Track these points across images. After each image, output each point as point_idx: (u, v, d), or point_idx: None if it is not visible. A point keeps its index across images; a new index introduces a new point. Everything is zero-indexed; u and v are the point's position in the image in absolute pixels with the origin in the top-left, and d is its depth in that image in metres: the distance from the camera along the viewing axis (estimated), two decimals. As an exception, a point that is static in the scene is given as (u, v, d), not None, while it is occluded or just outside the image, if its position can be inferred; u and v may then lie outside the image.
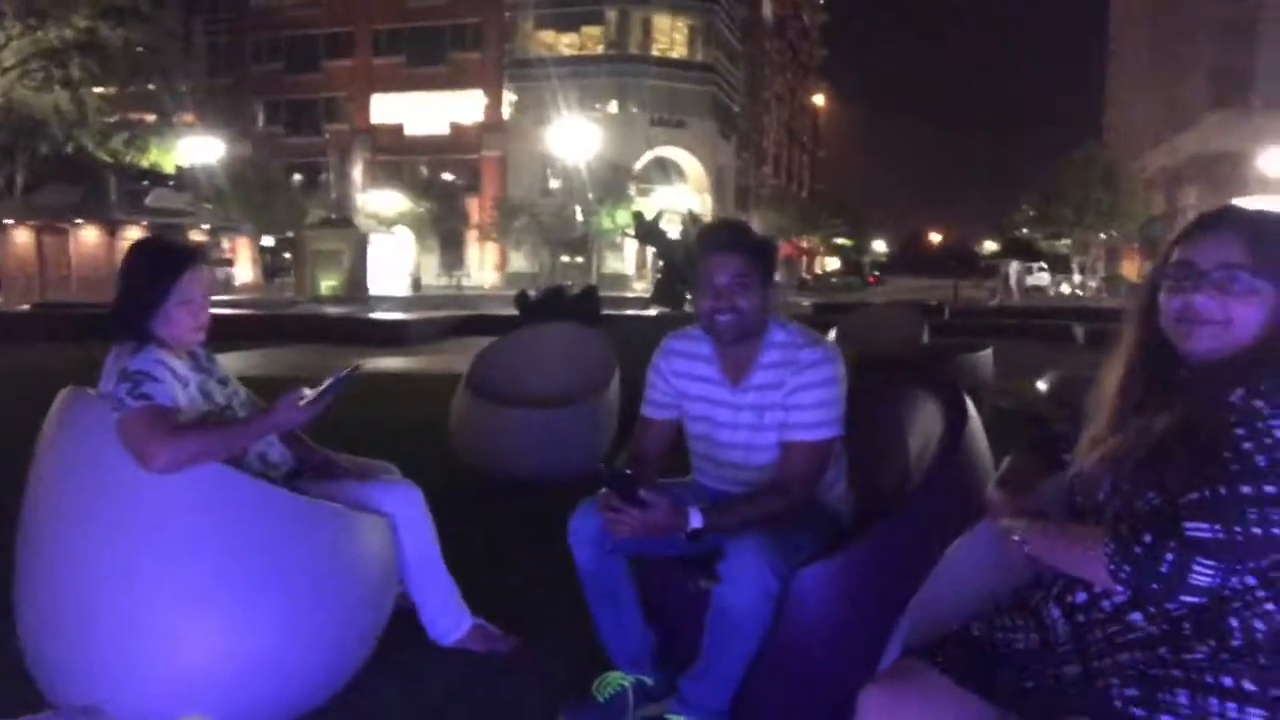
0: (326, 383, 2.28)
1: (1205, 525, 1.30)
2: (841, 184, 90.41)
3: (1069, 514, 1.57)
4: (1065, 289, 44.29)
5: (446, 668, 2.62)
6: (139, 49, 25.59)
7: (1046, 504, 1.64)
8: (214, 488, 2.21)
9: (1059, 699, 1.41)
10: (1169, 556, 1.31)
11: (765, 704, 2.12)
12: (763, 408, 2.27)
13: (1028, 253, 49.43)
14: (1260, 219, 1.45)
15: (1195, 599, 1.33)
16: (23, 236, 28.02)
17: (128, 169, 30.52)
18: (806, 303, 25.75)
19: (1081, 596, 1.47)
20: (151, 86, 29.28)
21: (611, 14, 46.55)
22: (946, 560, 1.74)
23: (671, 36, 48.14)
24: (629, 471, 2.11)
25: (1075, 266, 48.84)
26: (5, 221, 28.14)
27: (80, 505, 2.18)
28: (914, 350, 8.14)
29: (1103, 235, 46.67)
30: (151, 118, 32.46)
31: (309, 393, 2.27)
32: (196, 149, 33.27)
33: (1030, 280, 47.22)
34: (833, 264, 77.17)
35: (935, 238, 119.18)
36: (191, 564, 2.17)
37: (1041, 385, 7.36)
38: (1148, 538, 1.33)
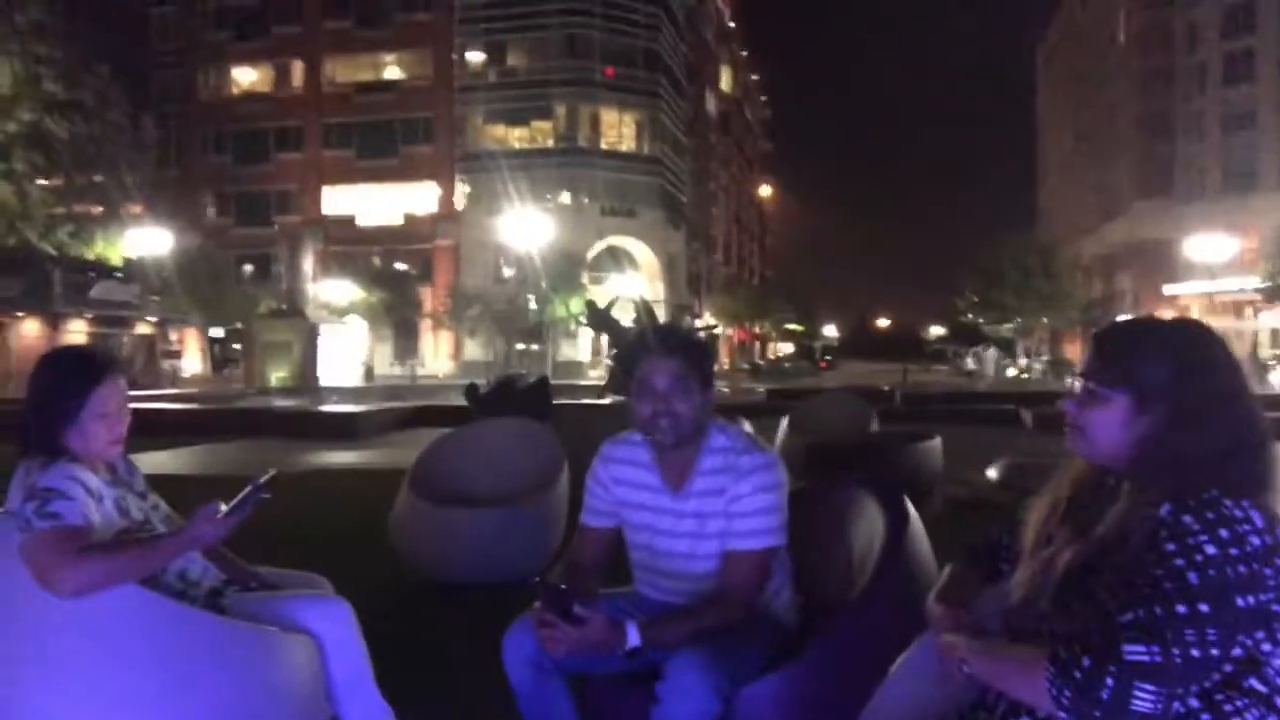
0: (244, 492, 2.19)
1: (1142, 648, 1.26)
2: (791, 270, 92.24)
3: (1009, 631, 1.53)
4: (1011, 372, 45.24)
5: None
6: (86, 142, 25.54)
7: (987, 617, 1.60)
8: (128, 611, 2.09)
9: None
10: (1109, 681, 1.27)
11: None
12: (704, 515, 2.22)
13: (973, 337, 50.60)
14: (1125, 328, 1.53)
15: None
16: (-40, 330, 27.33)
17: (73, 261, 30.16)
18: (761, 389, 25.93)
19: None
20: (98, 179, 29.18)
21: (560, 109, 47.71)
22: (892, 676, 1.69)
23: (620, 130, 49.38)
24: (563, 586, 2.04)
25: (1020, 350, 49.99)
26: (-58, 315, 27.47)
27: (-24, 635, 2.04)
28: (864, 439, 8.17)
29: (1045, 319, 48.00)
30: (98, 210, 32.27)
31: (224, 506, 2.18)
32: (144, 241, 32.98)
33: (973, 364, 48.19)
34: (785, 349, 78.21)
35: (883, 322, 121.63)
36: (104, 692, 2.04)
37: (992, 473, 7.41)
38: (1086, 662, 1.29)
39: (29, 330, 25.63)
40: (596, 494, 2.39)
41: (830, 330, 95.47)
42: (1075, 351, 48.82)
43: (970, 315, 50.94)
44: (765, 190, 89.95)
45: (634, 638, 2.01)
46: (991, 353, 44.28)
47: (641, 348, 2.30)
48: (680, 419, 2.19)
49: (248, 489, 2.21)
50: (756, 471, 2.20)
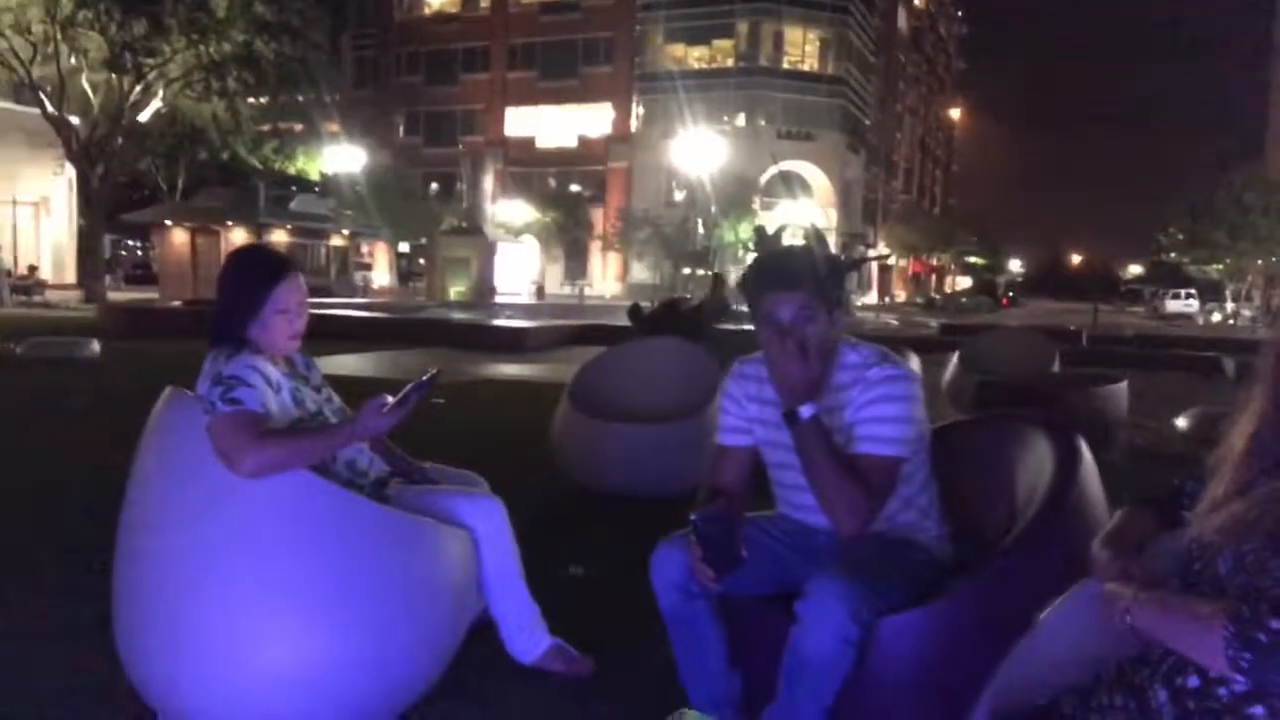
0: (407, 389, 2.29)
1: None
2: (976, 201, 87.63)
3: (1184, 583, 1.40)
4: (1216, 318, 41.53)
5: (522, 687, 2.58)
6: (290, 62, 27.07)
7: (1159, 569, 1.47)
8: (300, 495, 2.23)
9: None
10: None
11: (842, 756, 1.98)
12: (834, 429, 2.14)
13: (1175, 278, 46.66)
14: None
15: None
16: (179, 237, 29.92)
17: (276, 176, 32.36)
18: (934, 323, 24.97)
19: (1194, 680, 1.30)
20: (300, 98, 30.96)
21: (743, 26, 46.51)
22: (1042, 622, 1.58)
23: (803, 49, 47.72)
24: (719, 518, 2.01)
25: (1228, 294, 45.75)
26: (165, 223, 30.16)
27: (170, 506, 2.24)
28: (1042, 380, 7.72)
29: (1260, 262, 43.55)
30: (299, 127, 34.34)
31: (391, 400, 2.28)
32: (340, 158, 35.00)
33: (1175, 306, 44.52)
34: (964, 283, 74.75)
35: (1075, 259, 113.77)
36: (272, 570, 2.19)
37: (1181, 422, 6.88)
38: (1274, 624, 1.16)
39: (237, 239, 27.76)
40: (730, 411, 2.35)
41: (1015, 265, 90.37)
42: (1296, 298, 44.18)
43: (1174, 254, 46.88)
44: (955, 113, 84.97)
45: (807, 411, 2.05)
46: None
47: (761, 283, 2.17)
48: (806, 346, 2.09)
49: (410, 386, 2.30)
50: (885, 382, 2.13)
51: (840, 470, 2.05)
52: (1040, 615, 1.62)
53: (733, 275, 43.81)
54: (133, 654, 2.29)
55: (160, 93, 26.44)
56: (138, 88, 25.67)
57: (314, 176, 35.58)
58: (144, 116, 26.81)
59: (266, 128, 31.05)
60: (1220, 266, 43.93)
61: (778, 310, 2.12)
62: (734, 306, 9.78)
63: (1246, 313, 42.86)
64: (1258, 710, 1.23)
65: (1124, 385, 6.99)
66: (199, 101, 26.93)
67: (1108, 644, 1.47)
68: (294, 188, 33.75)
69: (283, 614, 2.19)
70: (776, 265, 2.21)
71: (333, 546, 2.24)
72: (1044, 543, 2.01)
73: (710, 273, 41.09)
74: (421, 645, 2.39)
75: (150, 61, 25.19)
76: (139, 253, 49.18)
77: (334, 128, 35.37)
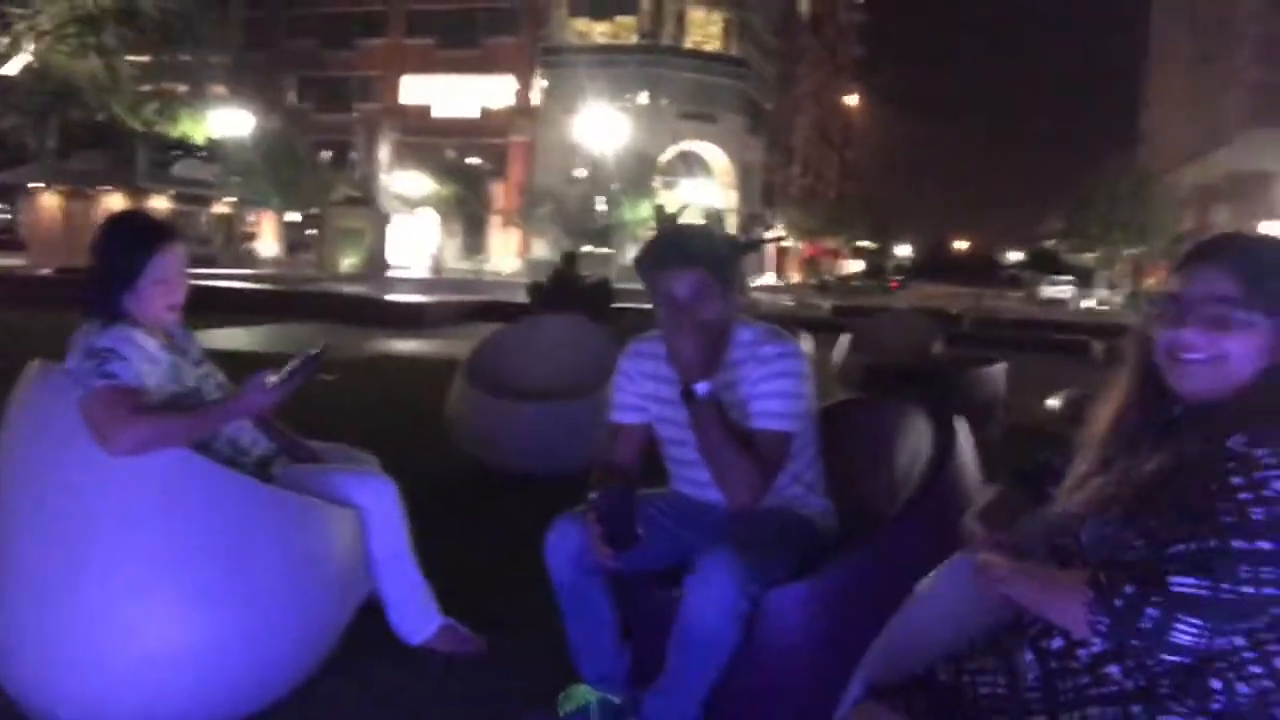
0: (293, 364, 2.22)
1: (1192, 580, 1.21)
2: (870, 186, 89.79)
3: (1051, 555, 1.48)
4: (1087, 303, 43.85)
5: (411, 667, 2.56)
6: (174, 19, 25.70)
7: (1028, 541, 1.55)
8: (179, 473, 2.15)
9: (1020, 754, 1.33)
10: (1151, 611, 1.22)
11: (729, 726, 2.04)
12: (728, 406, 2.18)
13: (1052, 265, 49.01)
14: (1257, 248, 1.36)
15: (1177, 658, 1.24)
16: (50, 201, 28.26)
17: (158, 139, 30.70)
18: (826, 305, 25.59)
19: (1058, 643, 1.39)
20: (185, 57, 29.42)
21: (646, 3, 46.34)
22: (918, 593, 1.66)
23: (706, 29, 47.89)
24: (619, 496, 2.03)
25: (1100, 281, 48.33)
26: (34, 185, 28.36)
27: (39, 486, 2.13)
28: (925, 360, 8.02)
29: (1130, 250, 46.16)
30: (184, 88, 32.66)
31: (274, 377, 2.21)
32: (227, 122, 33.42)
33: (1051, 292, 46.80)
34: (856, 266, 76.80)
35: (961, 245, 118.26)
36: (152, 551, 2.12)
37: (1054, 403, 7.23)
38: (1129, 589, 1.24)
39: (113, 204, 26.37)
40: (624, 388, 2.38)
41: (905, 250, 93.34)
42: (1157, 285, 47.06)
43: (1052, 242, 49.23)
44: (852, 100, 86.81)
45: (704, 388, 2.08)
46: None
47: (658, 260, 2.19)
48: (705, 325, 2.13)
49: (296, 361, 2.24)
50: (778, 358, 2.19)
51: (735, 445, 2.10)
52: (917, 586, 1.70)
53: (631, 254, 44.01)
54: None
55: (29, 46, 24.75)
56: (3, 40, 23.97)
57: (199, 140, 33.90)
58: (11, 71, 25.06)
59: (148, 88, 29.38)
60: (1094, 254, 46.34)
61: (675, 287, 2.14)
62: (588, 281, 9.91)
63: (1117, 299, 45.37)
64: (1113, 669, 1.32)
65: (1002, 367, 7.31)
66: (73, 57, 25.30)
67: (981, 612, 1.55)
68: (177, 151, 32.15)
69: (161, 595, 2.12)
70: (674, 243, 2.24)
71: (213, 526, 2.17)
72: (922, 516, 2.10)
73: (571, 251, 41.28)
74: (306, 626, 2.35)
75: (17, 11, 23.51)
76: (5, 217, 46.18)
77: (221, 90, 33.75)
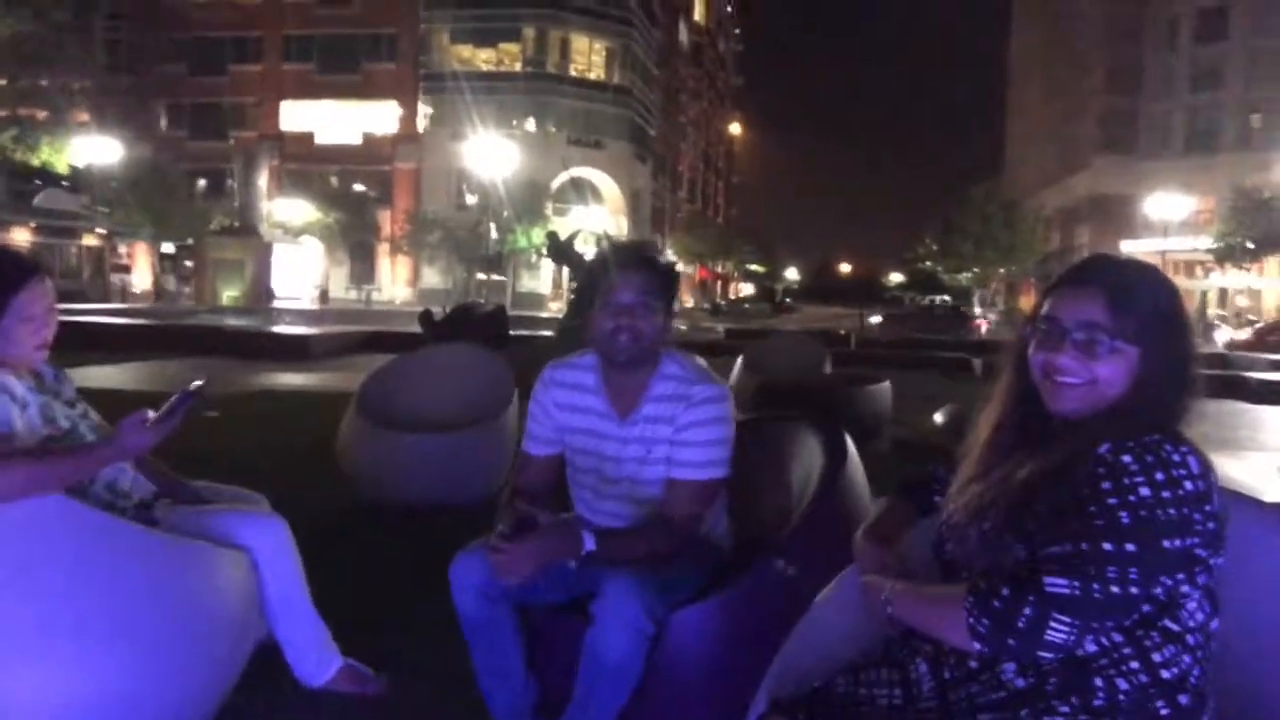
0: (171, 401, 2.13)
1: (1064, 581, 1.27)
2: (756, 211, 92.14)
3: (939, 564, 1.55)
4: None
5: (313, 710, 2.48)
6: (30, 41, 24.46)
7: (915, 554, 1.62)
8: (54, 520, 2.03)
9: (917, 761, 1.38)
10: (1027, 611, 1.28)
11: (637, 751, 2.05)
12: (651, 441, 2.19)
13: (931, 285, 51.08)
14: (1124, 274, 1.44)
15: (1051, 655, 1.31)
16: (-105, 234, 26.39)
17: (17, 167, 29.09)
18: (720, 328, 26.03)
19: (950, 651, 1.45)
20: (44, 81, 28.02)
21: (529, 32, 46.60)
22: (815, 608, 1.71)
23: (589, 58, 48.44)
24: (530, 512, 2.03)
25: (975, 299, 50.66)
26: (-122, 218, 26.49)
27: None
28: (815, 380, 8.25)
29: (1002, 270, 48.59)
30: (43, 114, 31.06)
31: (153, 414, 2.12)
32: (92, 149, 31.88)
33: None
34: (747, 289, 78.42)
35: (845, 267, 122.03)
36: (27, 603, 1.99)
37: (938, 418, 7.53)
38: (1005, 591, 1.31)
39: (-30, 237, 24.81)
40: (539, 419, 2.34)
41: (792, 273, 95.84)
42: (1029, 303, 49.50)
43: (929, 263, 51.39)
44: (734, 127, 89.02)
45: (590, 542, 2.02)
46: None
47: (609, 260, 2.21)
48: (641, 336, 2.14)
49: (175, 397, 2.15)
50: (709, 402, 2.18)
51: (643, 542, 2.11)
52: (814, 600, 1.75)
53: (526, 280, 43.80)
54: None
55: None
56: None
57: (62, 170, 32.24)
58: None
59: (4, 113, 27.82)
60: (969, 275, 48.54)
61: (622, 289, 2.14)
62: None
63: (992, 317, 47.59)
64: (1007, 669, 1.38)
65: (886, 385, 7.59)
66: (-82, 80, 23.81)
67: (876, 626, 1.60)
68: (38, 181, 30.48)
69: (38, 649, 2.00)
70: (627, 248, 2.26)
71: (93, 575, 2.06)
72: (816, 531, 2.16)
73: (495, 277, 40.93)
74: (198, 675, 2.24)
75: None
76: None
77: (84, 117, 32.23)
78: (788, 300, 67.36)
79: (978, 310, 41.00)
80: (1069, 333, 1.41)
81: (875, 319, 34.31)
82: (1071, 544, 1.29)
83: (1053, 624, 1.27)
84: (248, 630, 2.39)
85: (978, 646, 1.33)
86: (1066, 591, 1.27)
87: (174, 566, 2.20)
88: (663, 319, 2.19)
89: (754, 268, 76.70)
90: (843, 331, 21.64)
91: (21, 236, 27.22)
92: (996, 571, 1.36)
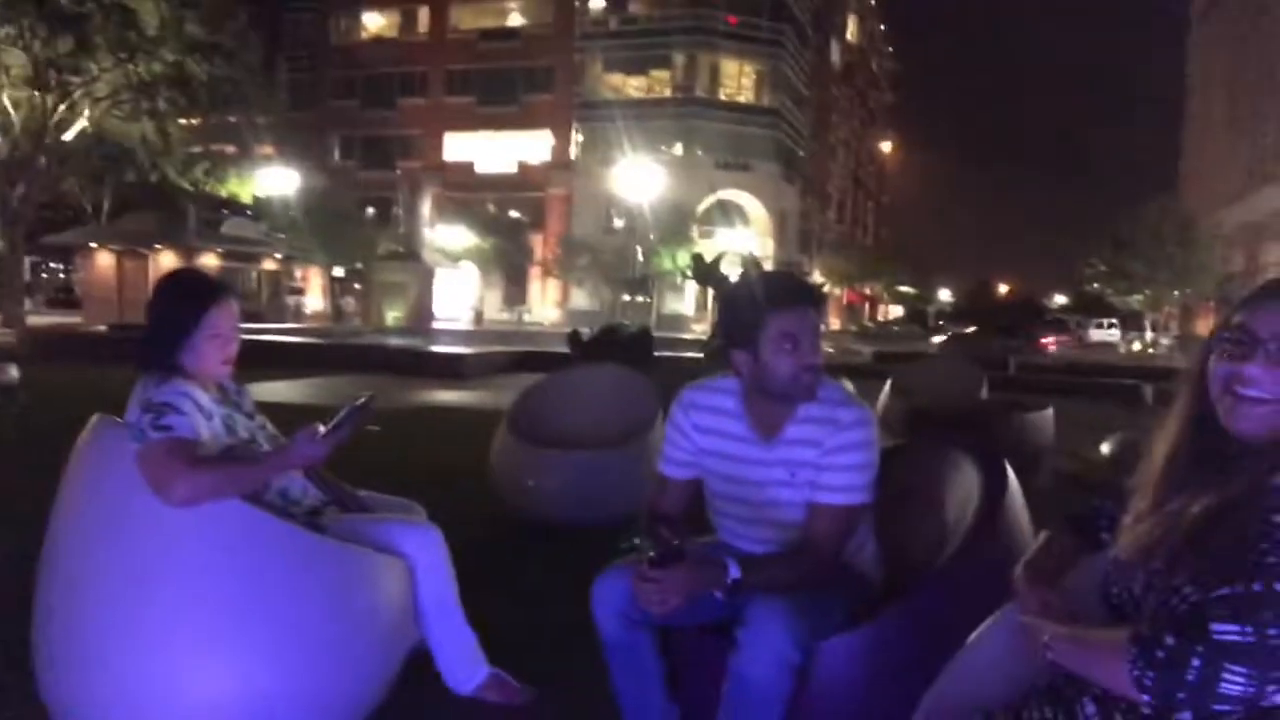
0: (341, 414, 2.26)
1: (1235, 627, 1.16)
2: (907, 231, 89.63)
3: (1106, 606, 1.45)
4: (1136, 346, 43.04)
5: (460, 717, 2.55)
6: (223, 83, 26.61)
7: (1079, 592, 1.52)
8: (232, 523, 2.19)
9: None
10: (1195, 662, 1.18)
11: (781, 780, 2.00)
12: (795, 464, 2.15)
13: (1098, 308, 48.23)
14: None
15: (1228, 708, 1.20)
16: (105, 260, 29.07)
17: (207, 198, 31.64)
18: (867, 350, 25.42)
19: None
20: (233, 119, 30.41)
21: (679, 58, 47.12)
22: (972, 643, 1.63)
23: (739, 81, 48.51)
24: (674, 542, 2.00)
25: (1147, 324, 47.53)
26: (90, 245, 29.28)
27: (96, 534, 2.18)
28: (970, 405, 7.91)
29: (1176, 292, 45.35)
30: (231, 149, 33.70)
31: (323, 428, 2.25)
32: (273, 180, 34.40)
33: (1099, 335, 46.01)
34: (896, 312, 76.31)
35: (1002, 288, 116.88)
36: (205, 600, 2.14)
37: (1106, 448, 7.08)
38: (1170, 640, 1.21)
39: (166, 262, 27.06)
40: (677, 443, 2.31)
41: (945, 295, 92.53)
42: (1207, 328, 46.04)
43: (1096, 285, 48.57)
44: (886, 146, 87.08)
45: (735, 570, 1.99)
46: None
47: (787, 296, 2.13)
48: (820, 372, 2.13)
49: (344, 411, 2.28)
50: (855, 426, 2.12)
51: (788, 570, 2.08)
52: (970, 637, 1.67)
53: (670, 301, 44.10)
54: (56, 682, 2.22)
55: (86, 112, 25.74)
56: (62, 106, 24.95)
57: (246, 199, 34.87)
58: (69, 136, 26.07)
59: (197, 149, 30.35)
60: (1140, 297, 45.60)
61: (803, 329, 2.10)
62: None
63: (1165, 341, 44.50)
64: (1184, 716, 1.27)
65: (1050, 412, 7.18)
66: (127, 121, 26.26)
67: (1034, 665, 1.51)
68: (225, 211, 33.05)
69: (213, 645, 2.15)
70: (789, 281, 2.21)
71: (266, 576, 2.20)
72: (973, 565, 2.06)
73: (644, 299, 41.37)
74: (355, 676, 2.35)
75: (76, 80, 24.51)
76: (61, 275, 47.62)
77: (268, 150, 34.75)
78: (940, 323, 64.89)
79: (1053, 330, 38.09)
80: (1263, 343, 1.29)
81: (937, 339, 32.56)
82: (1242, 585, 1.18)
83: (1227, 675, 1.16)
84: (403, 635, 2.49)
85: (1145, 698, 1.24)
86: (1238, 638, 1.16)
87: (339, 571, 2.32)
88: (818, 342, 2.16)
89: (904, 289, 74.50)
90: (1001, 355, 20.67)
91: (210, 261, 29.50)
92: (1164, 616, 1.26)
